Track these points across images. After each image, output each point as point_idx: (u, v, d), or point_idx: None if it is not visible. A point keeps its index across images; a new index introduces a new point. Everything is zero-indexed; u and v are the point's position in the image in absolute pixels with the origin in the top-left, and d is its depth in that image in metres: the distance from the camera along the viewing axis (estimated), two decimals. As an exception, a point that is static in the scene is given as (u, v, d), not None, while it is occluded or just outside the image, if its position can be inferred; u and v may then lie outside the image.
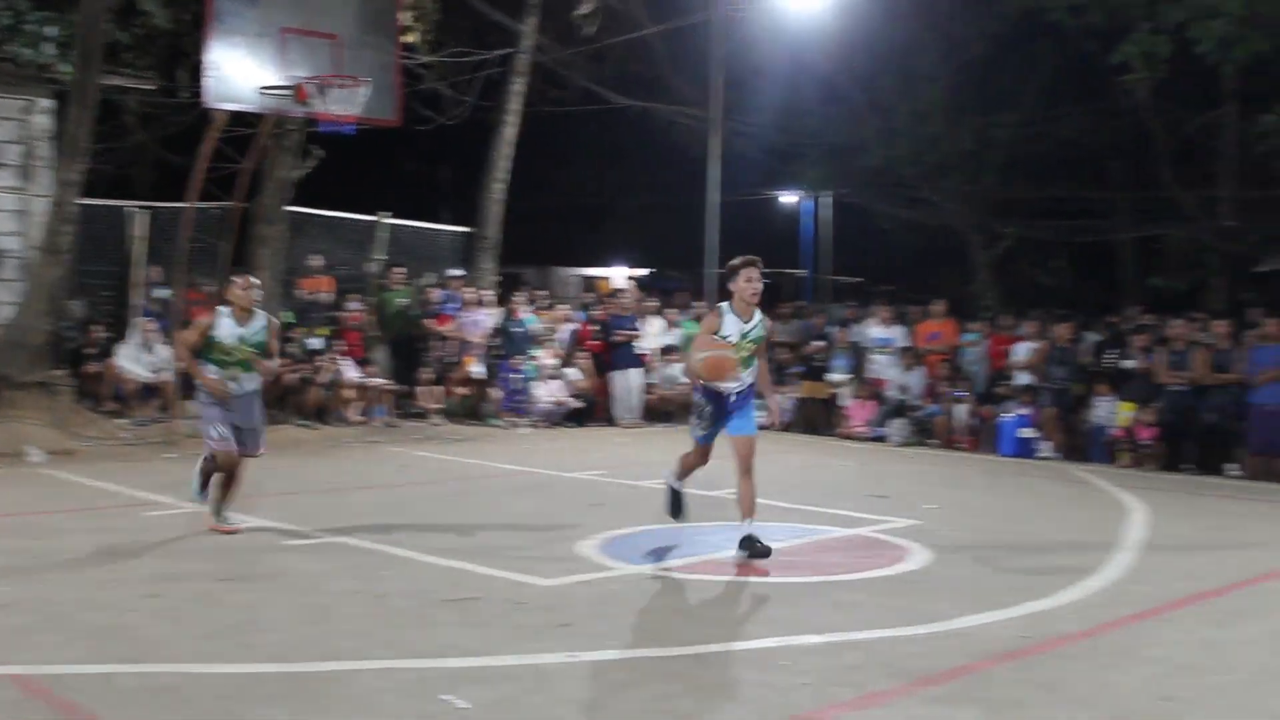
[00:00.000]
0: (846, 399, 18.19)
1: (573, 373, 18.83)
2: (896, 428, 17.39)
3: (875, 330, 18.71)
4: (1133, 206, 25.64)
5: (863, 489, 12.69)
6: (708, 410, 8.98)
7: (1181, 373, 15.13)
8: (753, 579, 8.18)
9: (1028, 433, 16.18)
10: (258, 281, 9.65)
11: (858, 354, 18.68)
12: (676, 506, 9.46)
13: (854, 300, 24.62)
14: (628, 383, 18.92)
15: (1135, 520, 11.04)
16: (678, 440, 17.34)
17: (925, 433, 17.26)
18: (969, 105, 23.74)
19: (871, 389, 17.99)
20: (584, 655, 6.18)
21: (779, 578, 8.25)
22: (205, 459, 9.58)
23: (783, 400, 18.72)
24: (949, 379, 17.43)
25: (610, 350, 19.06)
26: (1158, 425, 15.20)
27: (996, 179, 25.06)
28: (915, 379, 17.71)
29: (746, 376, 8.91)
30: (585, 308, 20.68)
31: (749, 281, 8.72)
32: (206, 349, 9.33)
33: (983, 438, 16.75)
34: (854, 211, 28.96)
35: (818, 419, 18.57)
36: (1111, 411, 15.66)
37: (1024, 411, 16.31)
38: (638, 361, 19.11)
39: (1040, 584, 8.10)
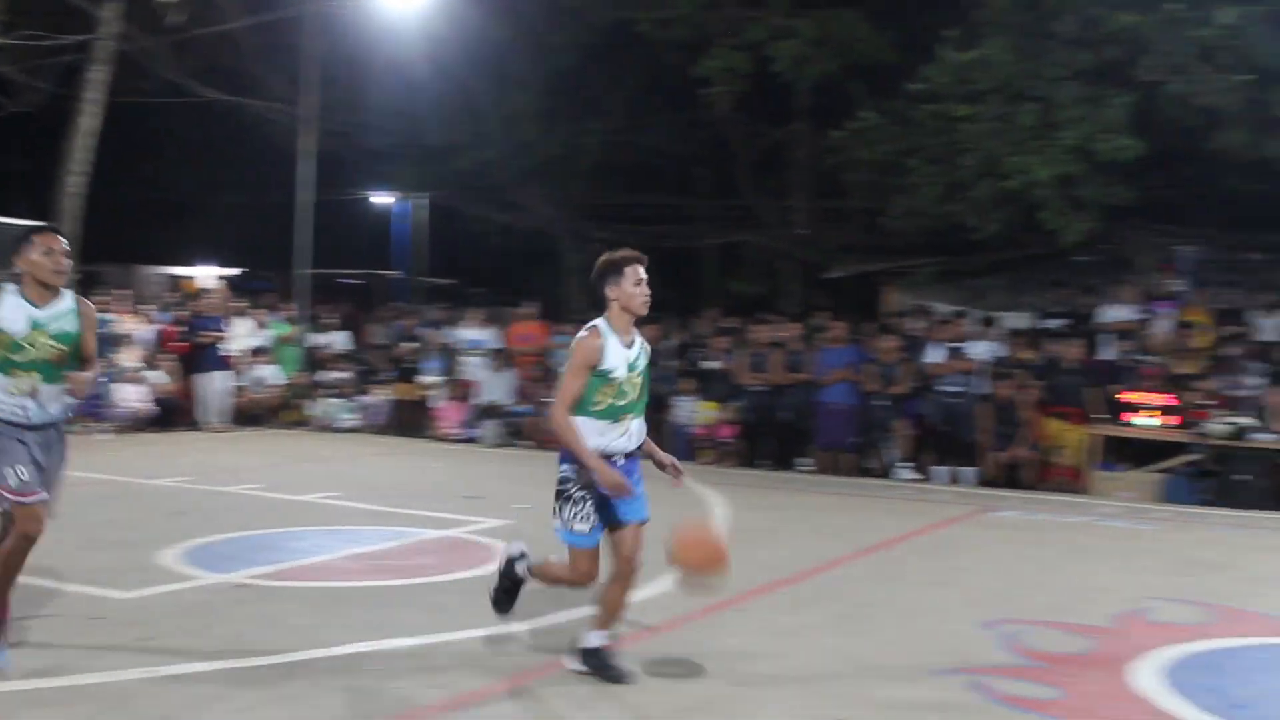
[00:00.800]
0: (439, 400, 18.23)
1: (156, 375, 18.10)
2: (488, 429, 17.54)
3: (468, 332, 18.85)
4: (715, 214, 26.72)
5: (455, 490, 12.75)
6: (580, 488, 6.07)
7: (760, 374, 15.90)
8: (342, 584, 8.10)
9: (616, 432, 16.62)
10: (66, 244, 6.33)
11: (450, 356, 18.77)
12: (506, 594, 6.56)
13: (448, 302, 24.67)
14: (214, 385, 18.33)
15: (716, 515, 11.53)
16: (267, 443, 17.04)
17: (517, 434, 17.50)
18: (560, 111, 24.16)
19: (463, 390, 18.10)
20: (166, 669, 5.98)
21: (370, 581, 8.21)
22: None
23: (377, 401, 18.67)
24: (540, 380, 17.73)
25: (196, 352, 18.43)
26: (738, 424, 15.93)
27: (587, 185, 25.62)
28: (506, 380, 17.92)
29: (635, 430, 6.21)
30: (169, 308, 19.93)
31: (638, 285, 6.08)
32: None
33: (574, 438, 17.10)
34: (449, 214, 29.03)
35: (410, 421, 18.53)
36: (694, 411, 16.30)
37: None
38: (224, 364, 18.54)
39: (626, 579, 8.35)
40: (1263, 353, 15.04)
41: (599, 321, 6.07)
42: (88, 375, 6.29)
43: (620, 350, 6.04)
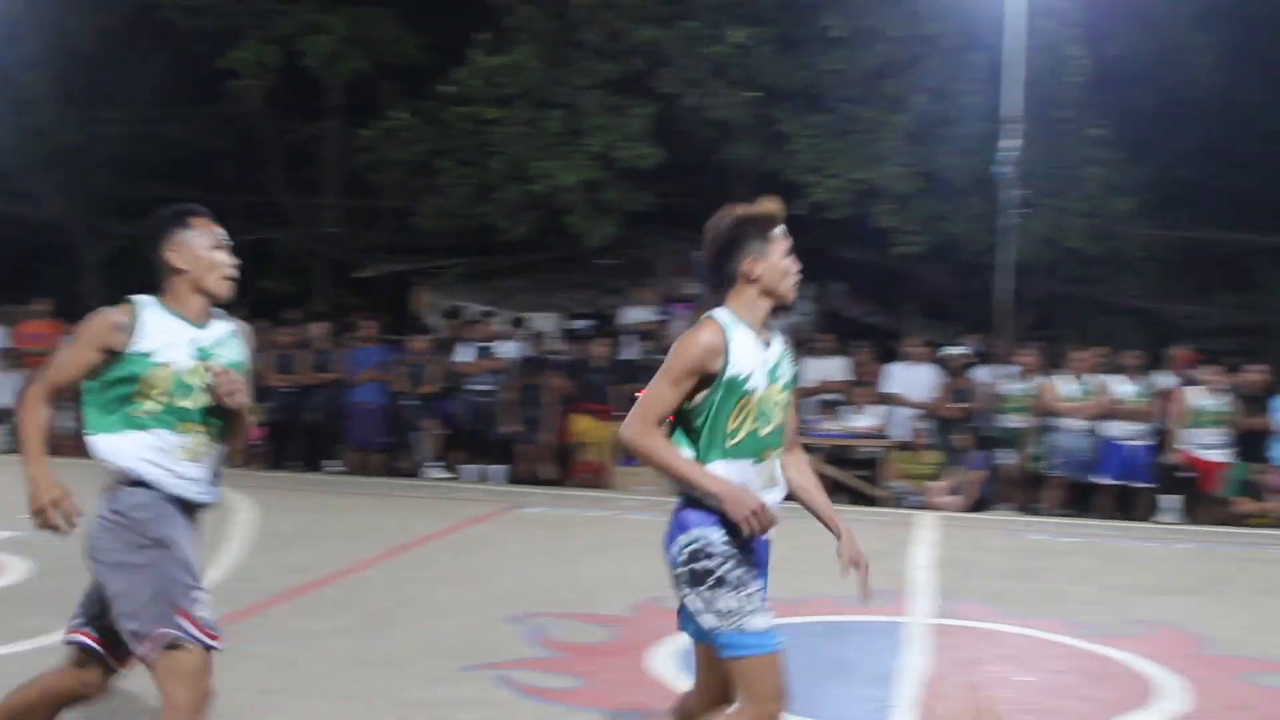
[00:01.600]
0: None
1: None
2: (0, 434, 16.54)
3: (-27, 331, 17.70)
4: (244, 210, 26.10)
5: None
6: (732, 564, 3.90)
7: (287, 374, 15.67)
8: None
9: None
10: (221, 231, 4.59)
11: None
12: None
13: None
14: None
15: (242, 519, 11.30)
16: None
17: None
18: (78, 98, 22.99)
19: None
20: None
21: None
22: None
23: None
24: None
25: None
26: (266, 425, 15.63)
27: (108, 176, 24.49)
28: (15, 383, 16.89)
29: (781, 480, 4.15)
30: None
31: (786, 256, 4.08)
32: (154, 389, 4.14)
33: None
34: (-52, 203, 27.02)
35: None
36: (220, 412, 15.87)
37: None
38: None
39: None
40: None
41: (718, 311, 4.04)
42: (247, 417, 4.36)
43: (756, 351, 3.99)
